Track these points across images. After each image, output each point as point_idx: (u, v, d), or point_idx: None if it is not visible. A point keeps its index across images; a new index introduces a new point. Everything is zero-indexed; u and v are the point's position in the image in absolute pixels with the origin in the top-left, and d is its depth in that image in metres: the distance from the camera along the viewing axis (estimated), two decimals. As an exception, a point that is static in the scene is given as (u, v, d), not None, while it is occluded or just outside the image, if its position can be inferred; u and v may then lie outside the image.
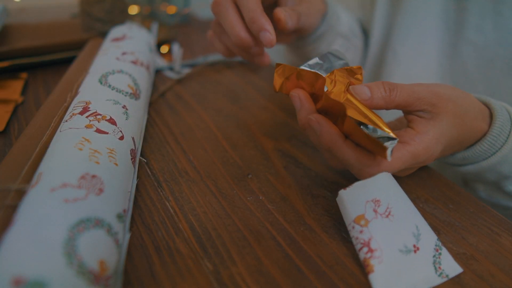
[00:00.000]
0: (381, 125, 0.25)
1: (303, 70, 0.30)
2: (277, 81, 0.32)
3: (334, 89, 0.28)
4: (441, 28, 0.47)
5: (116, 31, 0.47)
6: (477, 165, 0.33)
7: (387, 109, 0.28)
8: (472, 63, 0.45)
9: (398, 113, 0.33)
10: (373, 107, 0.27)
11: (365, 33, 0.59)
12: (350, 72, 0.30)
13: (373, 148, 0.25)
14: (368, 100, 0.27)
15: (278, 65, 0.31)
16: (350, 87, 0.28)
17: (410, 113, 0.29)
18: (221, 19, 0.33)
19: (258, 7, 0.31)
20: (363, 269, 0.25)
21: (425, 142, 0.27)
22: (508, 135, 0.31)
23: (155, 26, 0.56)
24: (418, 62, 0.49)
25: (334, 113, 0.28)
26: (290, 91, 0.30)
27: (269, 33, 0.31)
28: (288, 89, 0.32)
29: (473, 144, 0.32)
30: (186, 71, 0.54)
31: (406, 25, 0.49)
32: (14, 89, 0.45)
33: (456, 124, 0.29)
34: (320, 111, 0.29)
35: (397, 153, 0.27)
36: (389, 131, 0.25)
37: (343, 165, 0.29)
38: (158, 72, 0.53)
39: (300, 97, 0.29)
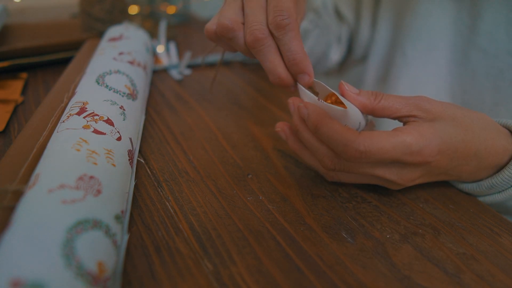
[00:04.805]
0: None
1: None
2: None
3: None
4: (453, 32, 0.46)
5: (113, 31, 0.47)
6: (504, 193, 0.31)
7: (374, 111, 0.29)
8: (481, 71, 0.44)
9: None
10: (358, 103, 0.29)
11: (340, 15, 0.59)
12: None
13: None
14: (356, 93, 0.29)
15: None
16: (342, 81, 0.30)
17: (405, 121, 0.29)
18: (261, 57, 0.31)
19: (302, 49, 0.31)
20: (363, 269, 0.25)
21: (418, 129, 0.27)
22: None
23: (163, 24, 0.56)
24: (428, 67, 0.48)
25: None
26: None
27: (308, 77, 0.31)
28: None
29: (501, 170, 0.30)
30: (186, 71, 0.54)
31: (416, 27, 0.48)
32: (14, 89, 0.45)
33: (457, 126, 0.28)
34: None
35: (389, 134, 0.26)
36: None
37: (329, 148, 0.29)
38: (158, 72, 0.53)
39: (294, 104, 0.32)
